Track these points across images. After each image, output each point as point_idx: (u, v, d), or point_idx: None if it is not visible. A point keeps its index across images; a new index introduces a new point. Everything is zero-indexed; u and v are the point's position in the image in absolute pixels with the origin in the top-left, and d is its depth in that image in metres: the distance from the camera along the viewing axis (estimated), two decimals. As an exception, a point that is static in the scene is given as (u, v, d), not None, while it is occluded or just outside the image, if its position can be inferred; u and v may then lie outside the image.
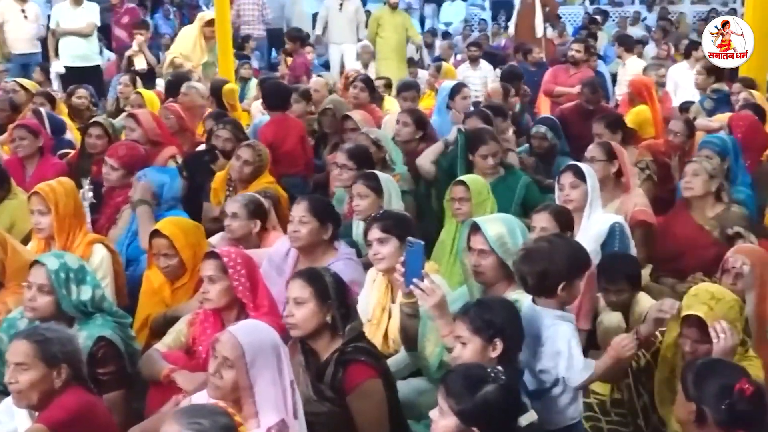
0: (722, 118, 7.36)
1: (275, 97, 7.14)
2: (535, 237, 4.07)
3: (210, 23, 10.11)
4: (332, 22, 12.66)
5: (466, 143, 5.75)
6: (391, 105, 8.81)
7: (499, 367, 2.78)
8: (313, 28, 14.02)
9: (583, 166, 4.82)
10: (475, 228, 3.68)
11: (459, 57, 13.64)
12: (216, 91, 8.32)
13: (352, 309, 3.43)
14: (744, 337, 3.44)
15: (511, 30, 13.58)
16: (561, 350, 3.24)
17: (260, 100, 8.56)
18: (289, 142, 6.77)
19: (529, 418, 2.75)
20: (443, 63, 11.23)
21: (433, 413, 2.69)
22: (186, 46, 10.24)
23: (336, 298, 3.34)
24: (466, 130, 5.99)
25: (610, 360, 3.27)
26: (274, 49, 14.66)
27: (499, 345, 3.04)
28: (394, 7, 11.98)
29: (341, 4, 12.49)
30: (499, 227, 3.65)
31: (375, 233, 4.00)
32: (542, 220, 4.26)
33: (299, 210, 4.36)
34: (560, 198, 4.73)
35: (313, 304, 3.31)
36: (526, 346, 3.27)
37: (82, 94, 8.44)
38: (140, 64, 10.41)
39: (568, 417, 3.33)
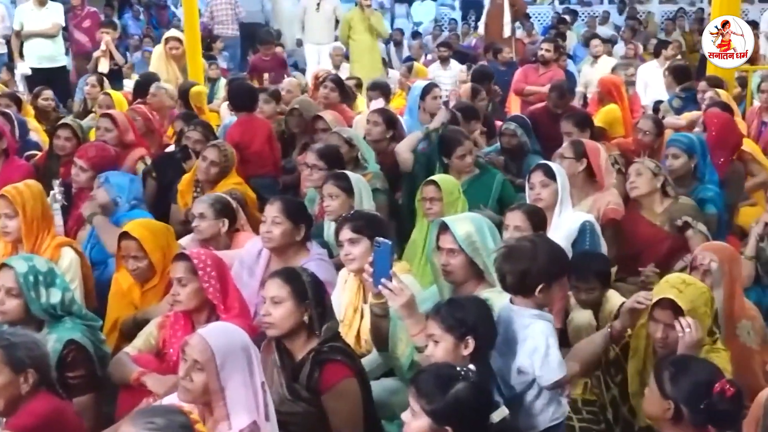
0: (690, 116, 7.42)
1: (241, 98, 7.10)
2: (509, 236, 4.11)
3: (167, 41, 10.04)
4: (309, 22, 12.49)
5: (438, 147, 5.77)
6: (363, 106, 8.81)
7: (471, 366, 2.78)
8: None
9: (552, 165, 4.85)
10: (444, 227, 3.68)
11: (429, 57, 13.66)
12: (184, 93, 8.27)
13: (328, 309, 3.42)
14: (713, 327, 3.46)
15: (481, 30, 13.61)
16: (537, 347, 3.24)
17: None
18: (256, 143, 6.74)
19: (500, 414, 2.75)
20: (414, 63, 11.25)
21: (405, 415, 2.69)
22: (161, 72, 10.16)
23: (313, 297, 3.33)
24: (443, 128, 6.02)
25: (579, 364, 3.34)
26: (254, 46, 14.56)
27: (471, 343, 3.04)
28: (364, 8, 11.84)
29: (318, 4, 12.35)
30: (468, 226, 3.65)
31: (346, 234, 4.00)
32: (516, 219, 4.27)
33: (272, 210, 4.34)
34: (531, 197, 4.75)
35: (290, 303, 3.28)
36: (504, 347, 3.28)
37: (47, 96, 8.36)
38: (103, 66, 10.29)
39: (547, 419, 3.31)
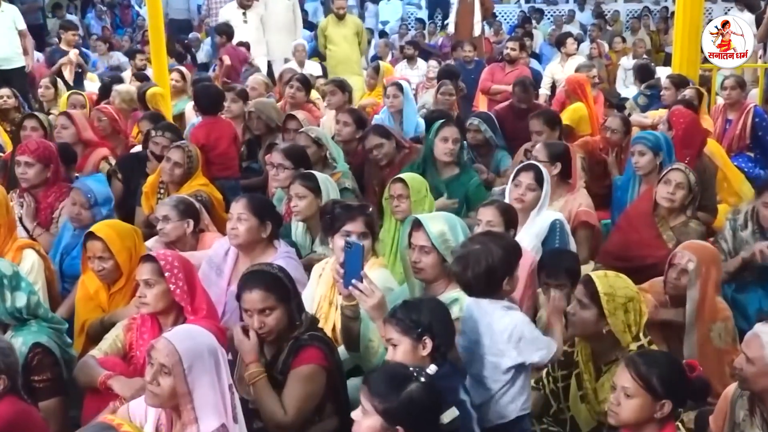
0: (655, 114, 7.47)
1: (206, 100, 7.04)
2: (479, 231, 4.13)
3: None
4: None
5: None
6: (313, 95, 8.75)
7: (433, 366, 2.86)
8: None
9: (544, 170, 4.80)
10: (417, 225, 3.69)
11: (396, 56, 13.63)
12: (141, 96, 8.18)
13: (300, 299, 3.50)
14: (639, 332, 3.47)
15: (451, 28, 13.59)
16: (512, 334, 3.27)
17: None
18: (222, 145, 6.68)
19: (450, 415, 2.76)
20: (381, 62, 11.21)
21: (356, 414, 2.69)
22: None
23: (291, 291, 3.41)
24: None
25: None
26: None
27: (429, 343, 3.04)
28: (340, 17, 11.27)
29: (244, 13, 11.78)
30: (441, 225, 3.67)
31: (359, 226, 3.99)
32: (488, 214, 4.29)
33: (238, 208, 4.33)
34: (512, 194, 4.74)
35: (280, 309, 3.35)
36: (476, 344, 3.31)
37: (5, 94, 8.22)
38: (68, 75, 10.21)
39: (517, 408, 3.35)
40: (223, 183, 6.33)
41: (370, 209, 4.22)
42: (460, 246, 3.48)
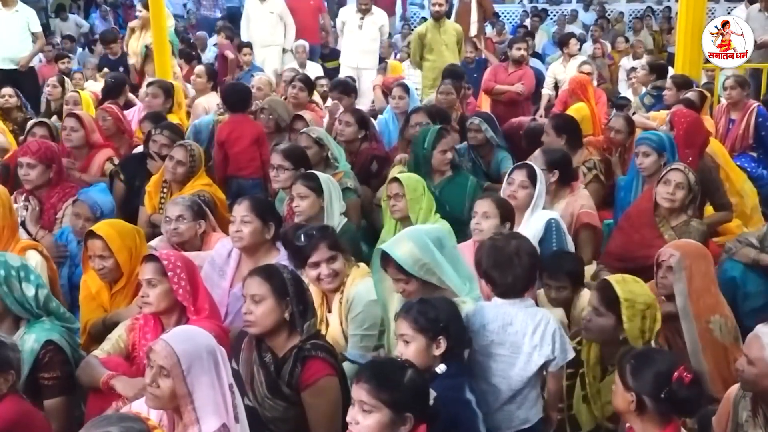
0: (658, 116, 7.46)
1: (234, 98, 7.03)
2: (476, 222, 4.22)
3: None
4: (347, 40, 11.30)
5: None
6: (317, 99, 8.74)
7: (442, 365, 2.90)
8: None
9: (537, 169, 4.80)
10: (385, 256, 3.53)
11: (398, 56, 13.60)
12: (168, 90, 8.14)
13: (309, 306, 3.42)
14: (651, 339, 3.49)
15: (450, 29, 13.56)
16: (556, 331, 3.30)
17: (204, 97, 8.59)
18: (241, 144, 6.67)
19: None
20: (387, 61, 11.15)
21: (354, 415, 2.67)
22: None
23: (294, 294, 3.33)
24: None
25: None
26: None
27: (443, 343, 3.04)
28: (437, 18, 10.12)
29: (362, 18, 11.12)
30: (409, 247, 3.47)
31: (324, 253, 3.94)
32: (484, 206, 4.32)
33: (241, 210, 4.33)
34: (506, 191, 4.76)
35: (271, 300, 3.29)
36: (506, 340, 3.30)
37: (7, 93, 8.21)
38: None
39: (539, 411, 3.38)
40: (240, 182, 6.47)
41: (330, 229, 4.14)
42: (490, 247, 3.44)
